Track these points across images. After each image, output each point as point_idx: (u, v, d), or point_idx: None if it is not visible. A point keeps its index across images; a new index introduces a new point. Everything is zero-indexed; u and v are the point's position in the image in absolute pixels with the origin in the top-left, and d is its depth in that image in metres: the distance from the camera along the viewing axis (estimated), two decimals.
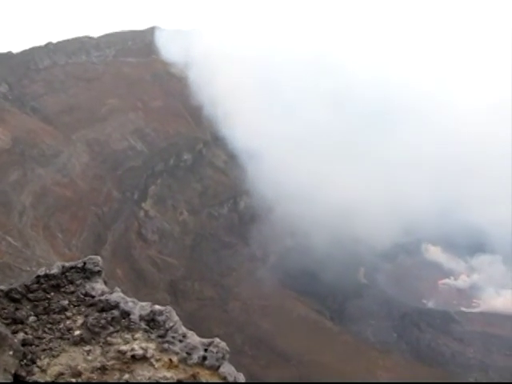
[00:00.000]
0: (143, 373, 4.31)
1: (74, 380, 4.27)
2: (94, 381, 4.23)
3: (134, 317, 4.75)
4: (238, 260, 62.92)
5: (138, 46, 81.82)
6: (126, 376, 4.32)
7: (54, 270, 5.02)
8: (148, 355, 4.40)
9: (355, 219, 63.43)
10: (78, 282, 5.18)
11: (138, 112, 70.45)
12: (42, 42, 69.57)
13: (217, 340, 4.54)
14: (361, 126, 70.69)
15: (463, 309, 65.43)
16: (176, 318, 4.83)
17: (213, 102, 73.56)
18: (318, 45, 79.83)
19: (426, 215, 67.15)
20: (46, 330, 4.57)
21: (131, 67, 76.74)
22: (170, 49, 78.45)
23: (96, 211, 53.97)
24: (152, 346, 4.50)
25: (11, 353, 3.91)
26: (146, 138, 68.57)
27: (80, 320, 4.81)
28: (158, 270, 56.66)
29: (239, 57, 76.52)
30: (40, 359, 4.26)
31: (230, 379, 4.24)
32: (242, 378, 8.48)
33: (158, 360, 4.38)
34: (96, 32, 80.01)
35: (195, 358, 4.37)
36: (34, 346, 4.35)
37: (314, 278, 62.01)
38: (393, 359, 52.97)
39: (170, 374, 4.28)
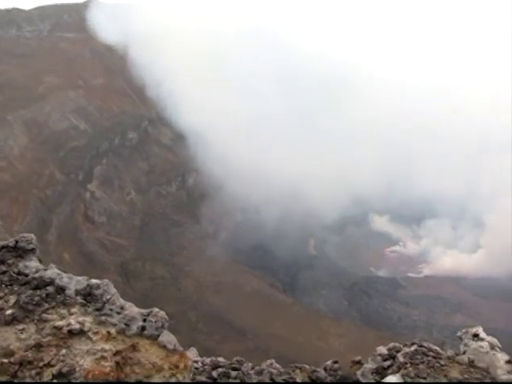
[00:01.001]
0: (81, 347, 4.17)
1: (5, 360, 4.09)
2: (28, 359, 4.05)
3: (70, 292, 4.56)
4: (189, 238, 62.59)
5: (75, 19, 78.13)
6: (63, 351, 4.16)
7: None
8: (85, 329, 4.26)
9: (304, 193, 64.40)
10: (10, 262, 4.92)
11: (78, 90, 67.67)
12: None
13: (155, 309, 4.44)
14: (308, 104, 71.15)
15: (409, 274, 68.51)
16: (113, 290, 4.68)
17: (157, 79, 71.70)
18: (262, 22, 78.90)
19: (373, 187, 69.02)
20: None
21: (68, 43, 73.34)
22: (108, 24, 75.32)
23: (38, 195, 51.87)
24: (89, 319, 4.35)
25: None
26: (89, 117, 66.14)
27: (13, 299, 4.58)
28: (107, 252, 55.53)
29: (182, 32, 74.63)
30: None
31: (170, 347, 4.17)
32: (194, 352, 8.38)
33: (95, 333, 4.25)
34: (26, 3, 75.35)
35: (134, 328, 4.26)
36: None
37: (266, 252, 62.81)
38: (344, 326, 54.76)
39: (108, 346, 4.16)
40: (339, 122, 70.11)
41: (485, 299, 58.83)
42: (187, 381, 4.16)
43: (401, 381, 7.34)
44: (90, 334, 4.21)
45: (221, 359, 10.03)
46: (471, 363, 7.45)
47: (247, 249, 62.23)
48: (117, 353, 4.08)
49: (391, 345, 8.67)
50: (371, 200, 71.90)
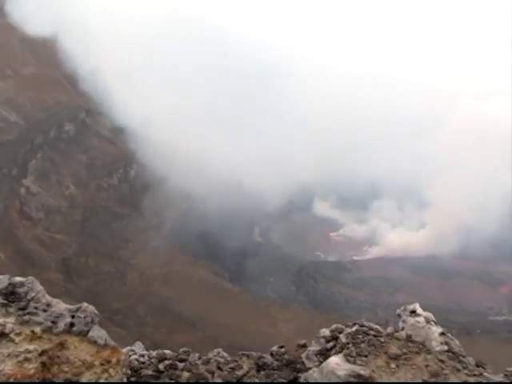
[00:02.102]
0: (2, 350, 3.89)
1: None
2: None
3: None
4: (133, 231, 61.33)
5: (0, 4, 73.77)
6: None
7: None
8: (7, 330, 3.97)
9: (248, 181, 64.49)
10: None
11: (7, 80, 64.26)
12: None
13: (85, 304, 4.21)
14: (249, 91, 70.80)
15: (355, 257, 70.48)
16: (39, 287, 4.39)
17: (93, 69, 69.10)
18: (197, 13, 77.22)
19: (317, 173, 70.02)
20: None
21: None
22: (37, 12, 71.45)
23: None
24: (11, 320, 4.06)
25: None
26: (21, 109, 62.98)
27: None
28: (46, 249, 53.43)
29: (118, 21, 72.16)
30: None
31: (101, 342, 3.97)
32: (140, 346, 8.12)
33: (18, 334, 3.96)
34: None
35: (61, 325, 4.02)
36: None
37: (211, 241, 62.61)
38: (292, 311, 55.70)
39: (32, 347, 3.90)
40: (282, 109, 70.48)
41: (426, 278, 61.51)
42: (119, 375, 3.98)
43: (343, 360, 7.49)
44: (12, 335, 3.93)
45: (167, 351, 9.83)
46: (409, 338, 7.71)
47: (193, 239, 61.76)
48: (43, 353, 3.84)
49: (334, 326, 8.80)
50: (316, 186, 73.03)
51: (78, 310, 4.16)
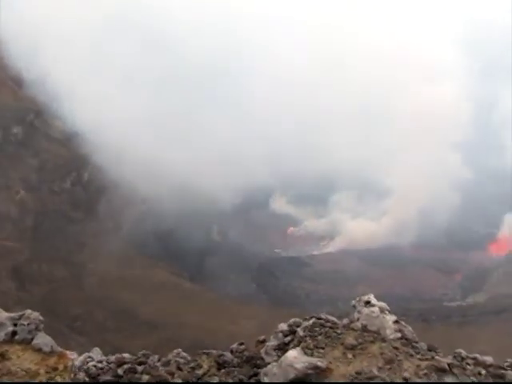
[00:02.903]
0: None
1: None
2: None
3: None
4: (89, 234, 59.84)
5: None
6: None
7: None
8: None
9: (204, 181, 64.05)
10: None
11: None
12: None
13: (28, 311, 4.02)
14: (198, 92, 70.19)
15: (314, 252, 71.15)
16: None
17: (42, 71, 66.73)
18: (145, 17, 75.70)
19: (274, 170, 70.30)
20: None
21: None
22: None
23: None
24: None
25: None
26: None
27: None
28: None
29: (64, 21, 70.01)
30: None
31: (46, 350, 3.81)
32: (97, 352, 7.86)
33: None
34: None
35: (1, 335, 3.83)
36: None
37: (170, 242, 61.98)
38: (254, 308, 55.82)
39: None
40: (230, 107, 70.20)
41: (384, 268, 62.83)
42: (68, 381, 3.83)
43: (301, 353, 7.54)
44: None
45: (126, 355, 9.59)
46: (364, 328, 7.85)
47: (150, 240, 60.98)
48: None
49: (291, 320, 8.86)
50: (271, 182, 73.31)
51: (20, 317, 3.97)
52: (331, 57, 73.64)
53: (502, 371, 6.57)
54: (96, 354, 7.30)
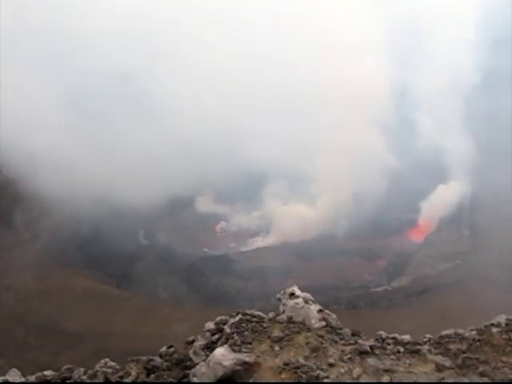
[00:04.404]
0: None
1: None
2: None
3: None
4: (3, 247, 56.28)
5: None
6: None
7: None
8: None
9: (124, 185, 62.23)
10: None
11: None
12: None
13: None
14: (107, 97, 67.94)
15: (243, 249, 71.49)
16: None
17: None
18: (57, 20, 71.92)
19: (193, 165, 69.29)
20: None
21: None
22: None
23: None
24: None
25: None
26: None
27: None
28: None
29: None
30: None
31: None
32: (16, 373, 7.38)
33: None
34: None
35: None
36: None
37: (93, 249, 59.84)
38: (186, 310, 55.11)
39: None
40: (145, 109, 68.66)
41: (313, 260, 64.27)
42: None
43: (228, 350, 7.54)
44: None
45: (48, 372, 9.09)
46: (290, 320, 8.01)
47: (72, 249, 58.55)
48: None
49: (218, 319, 8.84)
50: (197, 180, 72.51)
51: None
52: (253, 50, 73.46)
53: (418, 347, 6.99)
54: (14, 375, 6.85)
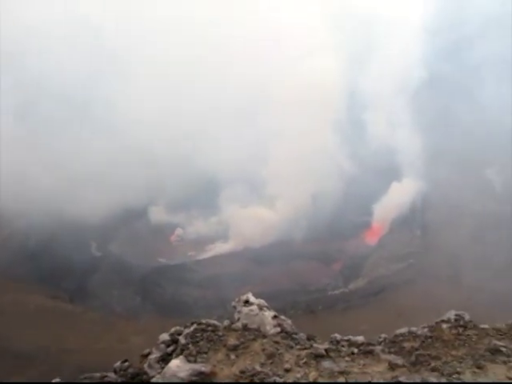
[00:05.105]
0: None
1: None
2: None
3: None
4: None
5: None
6: None
7: None
8: None
9: (75, 197, 60.62)
10: None
11: None
12: None
13: None
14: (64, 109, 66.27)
15: (199, 257, 70.54)
16: None
17: None
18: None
19: (149, 178, 68.41)
20: None
21: None
22: None
23: None
24: None
25: None
26: None
27: None
28: None
29: None
30: None
31: None
32: None
33: None
34: None
35: None
36: None
37: (45, 262, 57.72)
38: (142, 322, 53.97)
39: None
40: (95, 119, 67.29)
41: (270, 265, 64.04)
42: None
43: (184, 361, 7.40)
44: None
45: None
46: (245, 327, 7.94)
47: (22, 265, 56.20)
48: None
49: (173, 329, 8.66)
50: (151, 191, 71.50)
51: None
52: (204, 56, 73.11)
53: (372, 347, 7.09)
54: None
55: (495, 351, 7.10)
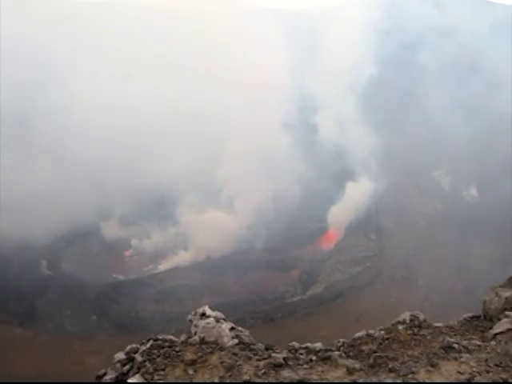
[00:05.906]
0: None
1: None
2: None
3: None
4: None
5: None
6: None
7: None
8: None
9: (20, 215, 58.18)
10: None
11: None
12: None
13: None
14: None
15: (155, 271, 69.09)
16: None
17: None
18: None
19: (100, 194, 66.76)
20: None
21: None
22: None
23: None
24: None
25: None
26: None
27: None
28: None
29: None
30: None
31: None
32: None
33: None
34: None
35: None
36: None
37: None
38: (98, 341, 52.40)
39: None
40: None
41: (227, 276, 63.71)
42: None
43: (141, 380, 7.18)
44: None
45: None
46: (202, 341, 7.80)
47: None
48: None
49: (128, 348, 8.39)
50: (103, 206, 69.73)
51: None
52: (153, 60, 72.35)
53: (329, 353, 7.16)
54: None
55: (448, 348, 7.31)
